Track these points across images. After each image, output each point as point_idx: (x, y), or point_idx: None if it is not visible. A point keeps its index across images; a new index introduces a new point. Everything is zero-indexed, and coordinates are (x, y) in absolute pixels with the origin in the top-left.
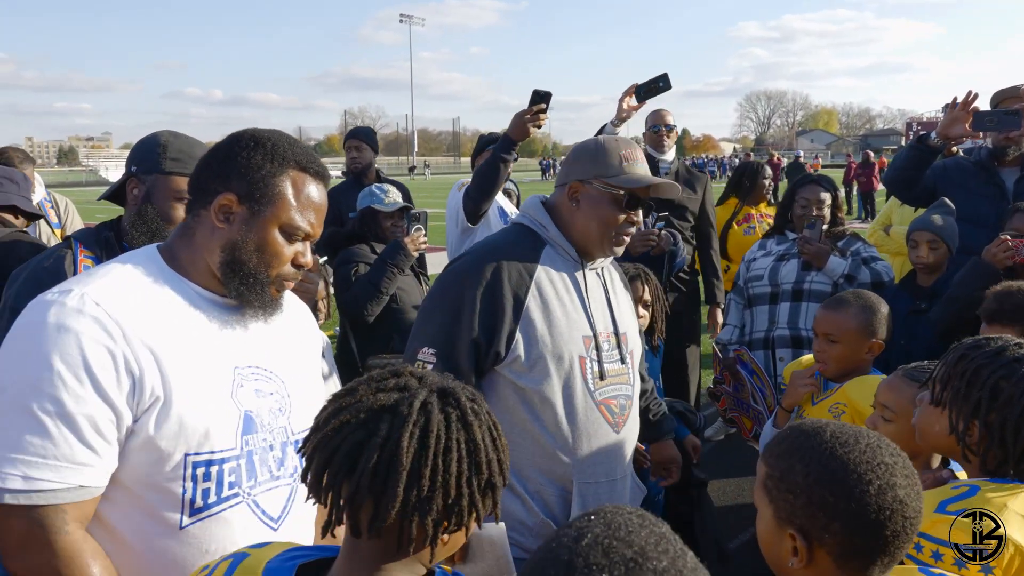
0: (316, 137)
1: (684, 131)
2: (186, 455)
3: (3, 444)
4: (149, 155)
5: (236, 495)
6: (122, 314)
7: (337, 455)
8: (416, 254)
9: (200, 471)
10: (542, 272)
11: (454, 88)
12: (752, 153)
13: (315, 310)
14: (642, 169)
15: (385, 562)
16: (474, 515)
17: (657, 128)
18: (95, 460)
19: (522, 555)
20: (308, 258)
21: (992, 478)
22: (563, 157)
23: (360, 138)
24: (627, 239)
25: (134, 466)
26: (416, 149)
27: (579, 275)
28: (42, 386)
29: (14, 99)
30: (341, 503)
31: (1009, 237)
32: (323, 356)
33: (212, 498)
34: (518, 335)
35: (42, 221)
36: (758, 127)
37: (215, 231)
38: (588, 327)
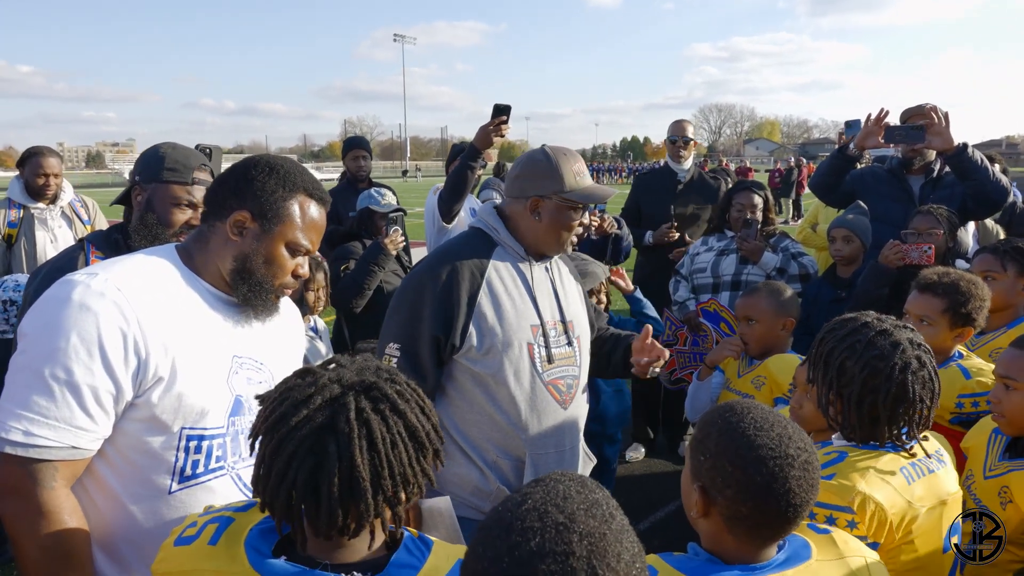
0: (319, 143)
1: (646, 139)
2: (182, 428)
3: (13, 400)
4: (150, 166)
5: (221, 468)
6: (139, 301)
7: (296, 485)
8: (394, 252)
9: (192, 444)
10: (493, 271)
11: (442, 100)
12: (707, 159)
13: (302, 302)
14: (589, 181)
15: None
16: (426, 481)
17: (675, 139)
18: (91, 426)
19: (479, 517)
20: (306, 270)
21: (860, 444)
22: None
23: (366, 148)
24: (576, 236)
25: (134, 434)
26: (408, 154)
27: (527, 271)
28: (57, 355)
29: (46, 108)
30: (314, 518)
31: (900, 242)
32: (321, 339)
33: (200, 468)
34: (471, 328)
35: (76, 220)
36: (710, 136)
37: (228, 242)
38: (536, 317)
